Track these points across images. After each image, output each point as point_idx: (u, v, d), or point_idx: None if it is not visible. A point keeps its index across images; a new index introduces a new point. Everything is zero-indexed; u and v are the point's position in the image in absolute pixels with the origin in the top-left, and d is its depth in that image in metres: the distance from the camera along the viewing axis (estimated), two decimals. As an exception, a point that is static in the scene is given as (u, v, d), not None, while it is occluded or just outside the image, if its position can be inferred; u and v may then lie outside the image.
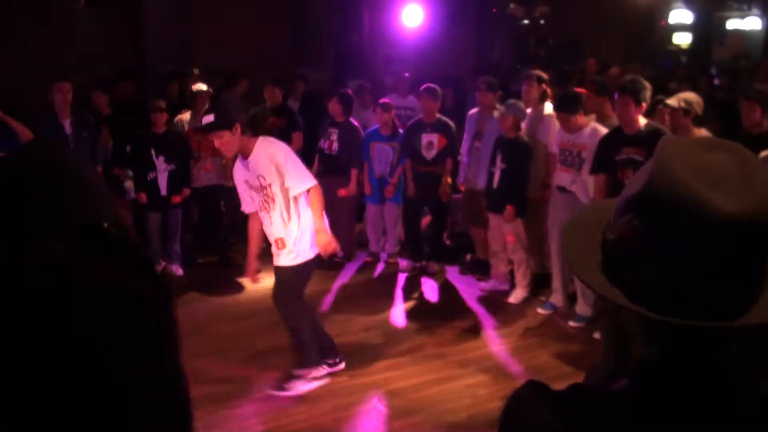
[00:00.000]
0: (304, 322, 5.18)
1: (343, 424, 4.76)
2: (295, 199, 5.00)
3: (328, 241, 5.10)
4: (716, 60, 13.25)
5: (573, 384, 1.16)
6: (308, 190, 5.01)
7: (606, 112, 6.62)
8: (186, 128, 7.73)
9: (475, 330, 6.39)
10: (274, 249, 5.13)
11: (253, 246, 5.35)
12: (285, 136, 7.99)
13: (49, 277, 0.88)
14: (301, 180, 4.99)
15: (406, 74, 9.60)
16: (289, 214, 5.01)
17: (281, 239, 5.04)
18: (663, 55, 13.61)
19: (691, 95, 6.09)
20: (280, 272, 5.14)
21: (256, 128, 8.11)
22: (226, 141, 4.87)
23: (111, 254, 1.05)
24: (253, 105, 8.65)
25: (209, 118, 4.90)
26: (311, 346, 5.21)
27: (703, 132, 5.92)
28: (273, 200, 4.99)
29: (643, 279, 1.07)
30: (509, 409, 1.15)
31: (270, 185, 4.96)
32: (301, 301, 5.20)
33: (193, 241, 7.99)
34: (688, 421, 1.05)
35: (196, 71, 8.59)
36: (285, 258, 5.08)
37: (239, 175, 5.13)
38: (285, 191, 4.97)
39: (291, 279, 5.11)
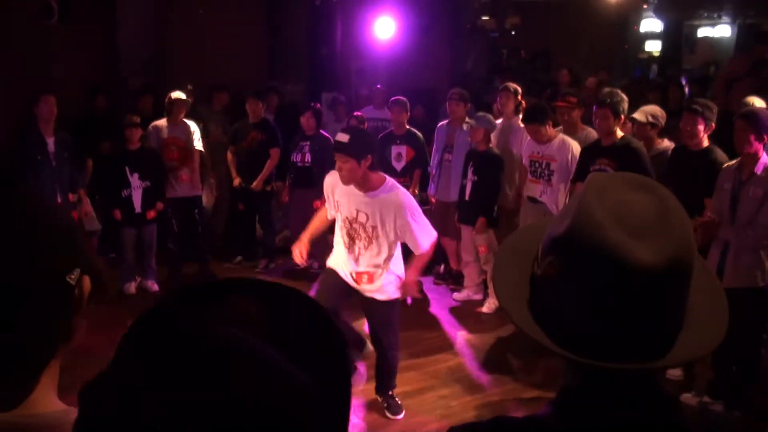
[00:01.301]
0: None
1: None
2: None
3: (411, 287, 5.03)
4: (686, 68, 13.43)
5: (495, 417, 1.21)
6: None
7: (578, 125, 6.77)
8: (162, 135, 7.70)
9: (448, 340, 6.46)
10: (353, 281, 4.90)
11: (313, 230, 5.11)
12: (264, 152, 8.08)
13: None
14: (423, 237, 4.64)
15: (379, 86, 9.67)
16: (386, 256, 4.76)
17: (368, 274, 4.81)
18: (634, 63, 13.77)
19: (655, 109, 6.25)
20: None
21: (238, 143, 8.19)
22: (348, 168, 4.46)
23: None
24: (231, 119, 8.70)
25: (343, 138, 4.48)
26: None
27: (665, 143, 6.07)
28: (371, 240, 4.71)
29: (566, 319, 1.12)
30: None
31: (376, 228, 4.66)
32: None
33: (177, 251, 8.00)
34: None
35: (189, 87, 8.58)
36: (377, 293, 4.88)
37: (345, 189, 4.71)
38: (393, 240, 4.72)
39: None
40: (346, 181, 4.57)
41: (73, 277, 1.12)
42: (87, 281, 1.17)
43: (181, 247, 7.94)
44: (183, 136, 7.74)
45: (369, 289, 4.85)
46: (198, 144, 7.85)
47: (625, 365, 1.09)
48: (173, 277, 7.86)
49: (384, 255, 4.71)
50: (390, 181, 4.69)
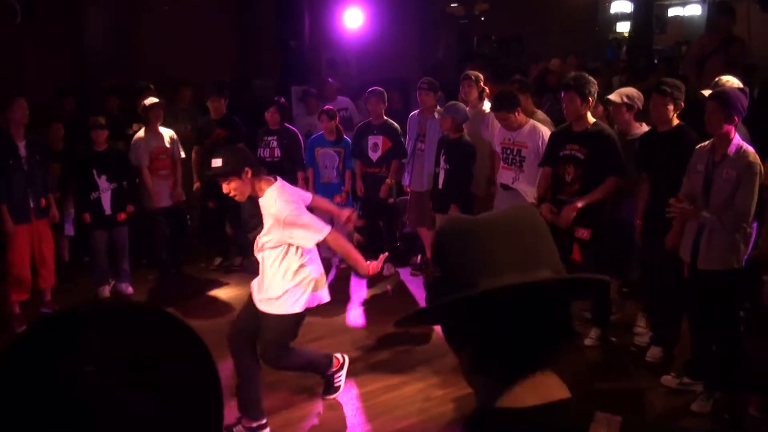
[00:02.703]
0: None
1: (296, 437, 4.75)
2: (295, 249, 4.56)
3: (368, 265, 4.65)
4: (658, 48, 13.42)
5: None
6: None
7: (529, 108, 6.75)
8: (144, 146, 7.61)
9: (426, 332, 6.41)
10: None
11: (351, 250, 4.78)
12: (228, 148, 7.98)
13: None
14: (311, 235, 4.47)
15: (330, 79, 9.65)
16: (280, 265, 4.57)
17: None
18: (605, 45, 13.75)
19: (632, 90, 6.12)
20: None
21: (201, 140, 8.09)
22: (235, 187, 4.46)
23: None
24: (201, 116, 8.60)
25: (217, 162, 4.46)
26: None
27: (644, 127, 5.95)
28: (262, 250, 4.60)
29: None
30: None
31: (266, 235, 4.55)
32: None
33: (167, 259, 7.94)
34: None
35: (151, 86, 8.46)
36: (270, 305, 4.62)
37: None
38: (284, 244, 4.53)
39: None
40: (241, 198, 4.58)
41: None
42: None
43: (170, 254, 7.90)
44: (169, 144, 7.69)
45: (258, 299, 4.64)
46: (180, 152, 7.82)
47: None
48: (162, 283, 7.86)
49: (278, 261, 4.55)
50: (275, 185, 4.53)
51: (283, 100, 8.45)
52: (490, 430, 1.18)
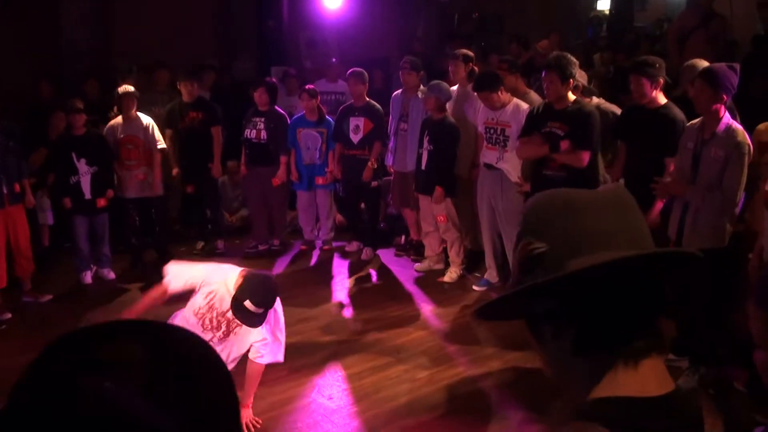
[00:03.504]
0: None
1: (282, 421, 4.71)
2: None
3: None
4: (639, 25, 13.37)
5: None
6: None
7: (520, 89, 6.71)
8: (117, 134, 7.51)
9: (411, 313, 6.41)
10: None
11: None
12: (204, 130, 7.88)
13: None
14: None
15: (334, 59, 9.52)
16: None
17: None
18: (585, 23, 13.67)
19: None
20: None
21: (174, 124, 7.96)
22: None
23: None
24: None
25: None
26: None
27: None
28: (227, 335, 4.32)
29: None
30: None
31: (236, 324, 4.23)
32: None
33: (138, 244, 7.88)
34: None
35: (134, 68, 8.32)
36: None
37: None
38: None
39: None
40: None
41: None
42: None
43: (141, 240, 7.84)
44: (140, 134, 7.55)
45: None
46: (160, 142, 7.67)
47: None
48: (135, 267, 7.79)
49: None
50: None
51: (274, 80, 8.36)
52: (611, 420, 1.08)
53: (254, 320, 4.07)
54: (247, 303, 3.97)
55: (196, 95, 7.98)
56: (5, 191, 6.49)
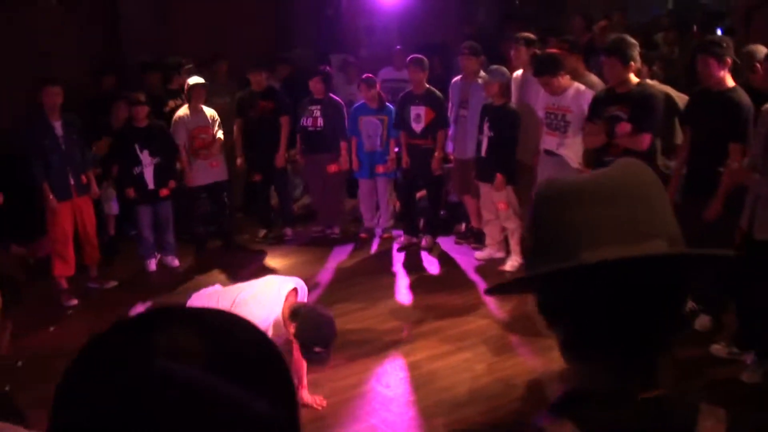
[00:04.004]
0: None
1: (342, 408, 4.75)
2: None
3: None
4: (703, 2, 12.98)
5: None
6: None
7: (579, 70, 6.55)
8: (189, 126, 7.66)
9: (472, 302, 6.36)
10: None
11: None
12: (275, 120, 7.98)
13: None
14: None
15: (398, 47, 9.47)
16: None
17: None
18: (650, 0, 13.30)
19: None
20: None
21: (244, 113, 8.08)
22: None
23: None
24: (239, 88, 8.58)
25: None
26: None
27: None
28: None
29: None
30: None
31: None
32: None
33: (204, 234, 8.02)
34: None
35: (190, 65, 8.46)
36: None
37: None
38: None
39: None
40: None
41: None
42: None
43: (206, 229, 7.98)
44: (209, 123, 7.74)
45: None
46: (219, 132, 7.81)
47: None
48: (199, 254, 7.94)
49: None
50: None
51: (328, 68, 8.39)
52: (582, 416, 1.07)
53: (324, 360, 4.37)
54: (317, 349, 4.23)
55: (266, 85, 8.07)
56: (72, 182, 6.69)
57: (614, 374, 1.07)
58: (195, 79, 7.67)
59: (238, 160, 8.23)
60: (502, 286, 1.22)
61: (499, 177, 6.73)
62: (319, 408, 4.69)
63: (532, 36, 7.22)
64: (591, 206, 1.07)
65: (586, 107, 6.06)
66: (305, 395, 4.65)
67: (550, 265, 1.07)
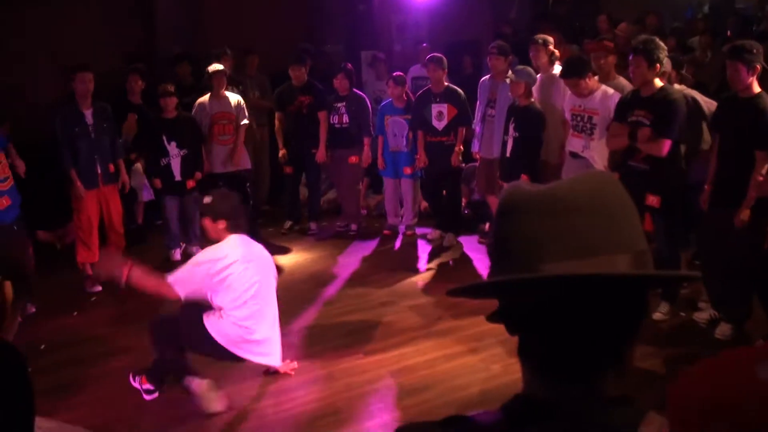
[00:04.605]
0: None
1: (356, 403, 4.77)
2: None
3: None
4: (740, 6, 12.80)
5: (456, 415, 1.15)
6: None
7: (611, 73, 6.51)
8: (209, 111, 7.72)
9: (490, 302, 6.28)
10: None
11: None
12: (313, 115, 8.03)
13: None
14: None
15: (424, 44, 9.47)
16: None
17: None
18: (685, 3, 13.16)
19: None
20: None
21: (283, 107, 8.15)
22: (205, 225, 4.90)
23: None
24: (270, 83, 8.64)
25: (207, 199, 4.91)
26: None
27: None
28: None
29: None
30: None
31: None
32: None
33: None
34: None
35: (229, 51, 8.51)
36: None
37: None
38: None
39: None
40: (208, 236, 4.92)
41: None
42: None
43: None
44: (232, 110, 7.75)
45: None
46: (245, 117, 7.85)
47: None
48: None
49: None
50: (227, 239, 4.76)
51: (350, 65, 8.43)
52: (526, 420, 1.08)
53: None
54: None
55: (304, 79, 8.12)
56: (100, 171, 6.77)
57: (566, 383, 1.08)
58: (215, 66, 7.72)
59: (280, 153, 8.32)
60: (463, 290, 1.20)
61: (523, 177, 6.71)
62: (291, 373, 4.97)
63: (548, 38, 7.20)
64: (552, 218, 1.06)
65: (613, 110, 6.04)
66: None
67: (507, 274, 1.08)
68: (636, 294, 1.09)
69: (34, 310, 6.13)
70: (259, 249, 4.93)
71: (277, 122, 8.31)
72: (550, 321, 1.08)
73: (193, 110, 7.69)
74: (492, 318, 1.17)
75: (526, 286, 1.06)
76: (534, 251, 1.06)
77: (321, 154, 8.17)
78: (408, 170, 8.03)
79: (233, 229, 4.79)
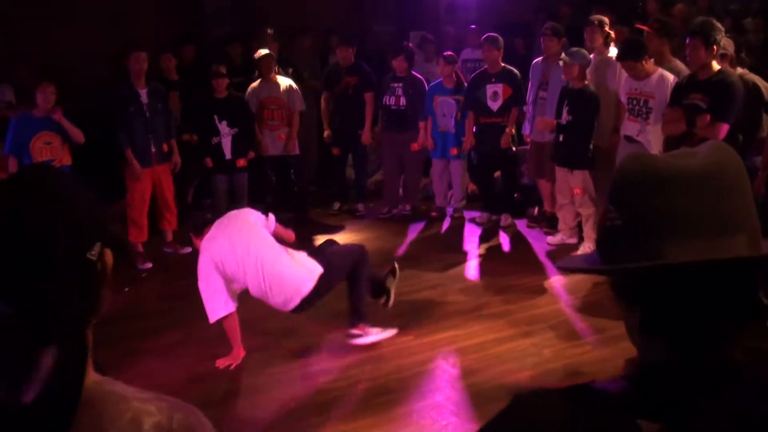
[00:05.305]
0: None
1: (407, 385, 4.75)
2: None
3: None
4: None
5: (577, 384, 1.12)
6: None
7: (666, 55, 6.37)
8: (259, 96, 7.77)
9: (541, 286, 6.30)
10: None
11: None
12: (359, 96, 8.01)
13: None
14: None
15: (473, 26, 9.38)
16: None
17: None
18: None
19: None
20: None
21: (331, 87, 8.14)
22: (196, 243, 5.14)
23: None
24: (320, 64, 8.63)
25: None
26: None
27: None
28: None
29: None
30: (511, 410, 1.14)
31: None
32: None
33: (272, 203, 8.11)
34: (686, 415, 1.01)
35: (270, 31, 8.51)
36: None
37: None
38: None
39: None
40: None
41: (94, 253, 1.15)
42: (109, 255, 1.20)
43: (277, 200, 8.06)
44: (282, 95, 7.74)
45: None
46: (300, 104, 7.84)
47: None
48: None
49: None
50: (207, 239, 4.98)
51: (411, 45, 8.38)
52: (661, 384, 1.06)
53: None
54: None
55: (351, 60, 8.10)
56: (153, 151, 6.84)
57: (696, 349, 1.06)
58: (263, 51, 7.74)
59: (325, 133, 8.33)
60: (578, 269, 1.22)
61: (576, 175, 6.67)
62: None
63: (604, 19, 7.08)
64: (675, 194, 1.04)
65: (669, 93, 5.92)
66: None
67: (628, 252, 1.05)
68: (753, 272, 1.07)
69: None
70: (216, 231, 4.99)
71: (323, 102, 8.33)
72: (672, 297, 1.06)
73: (246, 95, 7.73)
74: (569, 271, 1.18)
75: (656, 271, 1.04)
76: (656, 229, 1.04)
77: (366, 136, 8.15)
78: (454, 151, 7.98)
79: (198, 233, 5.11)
